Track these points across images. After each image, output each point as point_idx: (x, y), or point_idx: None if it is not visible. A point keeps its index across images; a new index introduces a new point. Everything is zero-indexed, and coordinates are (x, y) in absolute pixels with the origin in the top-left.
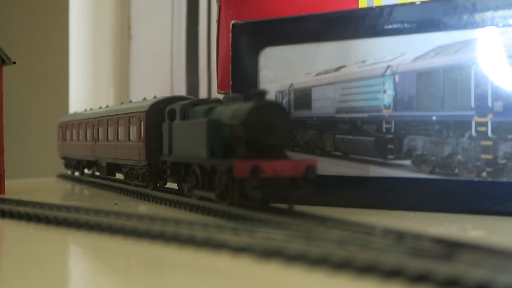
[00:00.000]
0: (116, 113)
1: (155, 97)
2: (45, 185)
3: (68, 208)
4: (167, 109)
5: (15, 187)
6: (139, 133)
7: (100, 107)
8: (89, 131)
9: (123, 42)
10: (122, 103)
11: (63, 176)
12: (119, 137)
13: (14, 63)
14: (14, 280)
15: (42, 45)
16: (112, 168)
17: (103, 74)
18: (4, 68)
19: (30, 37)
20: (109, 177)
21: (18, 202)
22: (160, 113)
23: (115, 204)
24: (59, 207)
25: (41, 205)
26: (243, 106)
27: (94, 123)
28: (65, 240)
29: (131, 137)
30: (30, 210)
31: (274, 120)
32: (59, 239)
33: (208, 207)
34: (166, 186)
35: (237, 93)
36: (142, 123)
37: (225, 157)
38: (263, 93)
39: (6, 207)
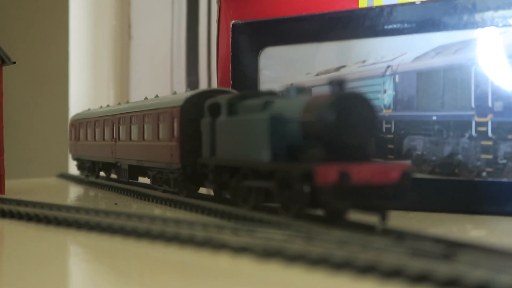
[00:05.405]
0: (141, 109)
1: (187, 90)
2: (45, 185)
3: (68, 208)
4: (208, 103)
5: (15, 187)
6: (172, 132)
7: (119, 103)
8: (107, 130)
9: (123, 42)
10: (146, 98)
11: (63, 176)
12: (145, 136)
13: (14, 63)
14: (14, 280)
15: (42, 45)
16: (135, 171)
17: (103, 74)
18: (4, 68)
19: (30, 37)
20: (131, 181)
21: (18, 202)
22: (196, 108)
23: (115, 204)
24: (59, 207)
25: (41, 205)
26: (319, 99)
27: (113, 120)
28: (65, 240)
29: (160, 136)
30: (30, 210)
31: (358, 115)
32: (59, 239)
33: (208, 207)
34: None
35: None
36: (175, 120)
37: (289, 160)
38: (342, 82)
39: (6, 207)
